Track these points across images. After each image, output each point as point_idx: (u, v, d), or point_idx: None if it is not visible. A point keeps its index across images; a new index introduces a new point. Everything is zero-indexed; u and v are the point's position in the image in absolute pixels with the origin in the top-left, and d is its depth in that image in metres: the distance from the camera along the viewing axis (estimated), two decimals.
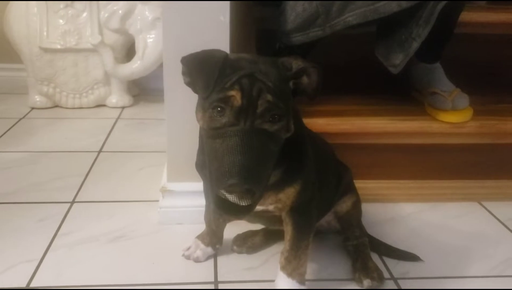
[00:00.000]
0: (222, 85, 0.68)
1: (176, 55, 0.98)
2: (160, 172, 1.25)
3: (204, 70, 0.70)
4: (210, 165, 0.70)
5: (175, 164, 1.09)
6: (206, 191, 0.92)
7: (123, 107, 1.96)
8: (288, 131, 0.71)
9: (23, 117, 1.82)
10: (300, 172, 0.79)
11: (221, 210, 0.71)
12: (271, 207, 0.81)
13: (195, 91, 0.74)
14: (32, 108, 1.91)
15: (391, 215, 1.17)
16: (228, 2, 0.97)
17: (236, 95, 0.67)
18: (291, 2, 1.11)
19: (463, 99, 1.22)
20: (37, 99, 1.91)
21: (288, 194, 0.79)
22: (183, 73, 0.75)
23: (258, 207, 0.81)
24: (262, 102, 0.67)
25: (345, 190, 0.98)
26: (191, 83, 0.74)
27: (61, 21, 1.84)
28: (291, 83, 0.73)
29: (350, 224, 0.98)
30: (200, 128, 0.78)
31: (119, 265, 0.95)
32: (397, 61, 1.06)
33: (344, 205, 0.97)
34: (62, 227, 1.07)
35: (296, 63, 0.73)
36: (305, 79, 0.74)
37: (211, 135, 0.69)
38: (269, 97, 0.67)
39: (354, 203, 0.98)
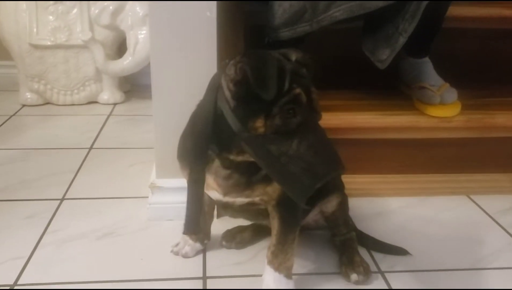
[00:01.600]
0: (280, 85, 0.68)
1: (164, 51, 0.99)
2: (151, 168, 1.24)
3: (271, 74, 0.68)
4: (287, 167, 0.68)
5: (163, 160, 1.09)
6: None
7: (114, 104, 1.95)
8: None
9: (14, 114, 1.82)
10: None
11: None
12: (257, 199, 0.81)
13: (253, 100, 0.68)
14: (23, 105, 1.90)
15: (379, 209, 1.18)
16: None
17: (301, 93, 0.68)
18: None
19: (452, 94, 1.23)
20: (28, 96, 1.90)
21: (275, 187, 0.79)
22: (240, 83, 0.70)
23: (244, 200, 0.82)
24: (314, 96, 0.70)
25: (331, 188, 0.96)
26: (250, 92, 0.68)
27: (51, 17, 1.83)
28: None
29: (336, 223, 0.98)
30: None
31: (108, 262, 0.95)
32: (383, 56, 1.06)
33: (329, 205, 0.96)
34: (51, 224, 1.07)
35: (295, 55, 0.74)
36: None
37: (275, 140, 0.68)
38: (314, 88, 0.70)
39: (339, 203, 0.97)
